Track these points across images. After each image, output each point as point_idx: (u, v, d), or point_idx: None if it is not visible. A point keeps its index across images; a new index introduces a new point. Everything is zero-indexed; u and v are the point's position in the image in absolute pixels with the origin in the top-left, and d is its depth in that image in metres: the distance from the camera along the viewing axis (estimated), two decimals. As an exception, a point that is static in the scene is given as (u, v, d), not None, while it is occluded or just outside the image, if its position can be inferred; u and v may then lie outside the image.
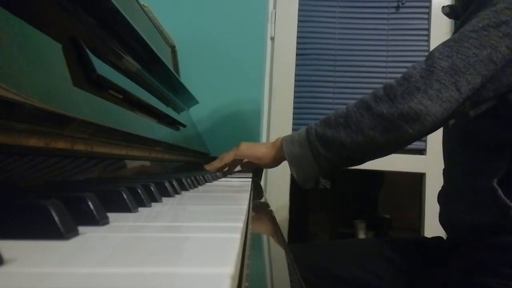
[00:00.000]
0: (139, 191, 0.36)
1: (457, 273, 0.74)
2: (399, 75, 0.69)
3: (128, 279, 0.16)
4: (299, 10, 1.72)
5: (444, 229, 0.85)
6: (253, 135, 1.60)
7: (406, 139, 0.66)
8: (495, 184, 0.67)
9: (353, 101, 0.72)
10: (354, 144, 0.68)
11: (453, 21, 1.67)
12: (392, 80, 0.68)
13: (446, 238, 0.88)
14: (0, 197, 0.25)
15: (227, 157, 0.88)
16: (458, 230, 0.78)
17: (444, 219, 0.83)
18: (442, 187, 0.87)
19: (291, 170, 0.76)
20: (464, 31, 0.66)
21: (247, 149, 0.86)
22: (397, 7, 1.71)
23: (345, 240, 1.30)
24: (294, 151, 0.75)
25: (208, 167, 0.91)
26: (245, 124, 1.60)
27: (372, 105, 0.67)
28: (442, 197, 0.85)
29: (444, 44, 0.67)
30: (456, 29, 0.83)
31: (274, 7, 1.71)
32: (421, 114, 0.63)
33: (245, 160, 0.93)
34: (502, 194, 0.66)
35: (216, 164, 0.90)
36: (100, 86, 0.53)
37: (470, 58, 0.63)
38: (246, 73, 1.60)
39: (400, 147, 0.69)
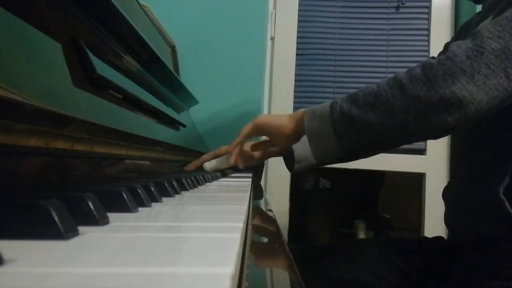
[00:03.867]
0: (139, 191, 0.36)
1: (458, 273, 0.74)
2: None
3: (128, 279, 0.16)
4: (299, 10, 1.72)
5: (449, 230, 0.84)
6: (253, 135, 1.60)
7: (442, 128, 0.59)
8: (501, 195, 0.66)
9: (367, 75, 0.67)
10: (382, 128, 0.61)
11: (453, 21, 1.67)
12: (431, 58, 0.61)
13: (447, 237, 0.88)
14: (0, 197, 0.25)
15: (246, 128, 0.82)
16: (463, 235, 0.77)
17: (449, 222, 0.82)
18: (449, 182, 0.86)
19: (310, 145, 0.70)
20: None
21: (266, 117, 0.80)
22: (397, 7, 1.71)
23: (345, 241, 1.29)
24: (315, 126, 0.69)
25: (230, 148, 0.86)
26: (245, 124, 1.59)
27: (407, 85, 0.59)
28: (448, 194, 0.84)
29: (495, 22, 0.58)
30: (481, 17, 0.80)
31: (274, 7, 1.71)
32: (465, 102, 0.56)
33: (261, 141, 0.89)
34: (509, 207, 0.65)
35: (237, 140, 0.84)
36: (100, 86, 0.53)
37: None
38: (246, 73, 1.60)
39: (433, 135, 0.62)
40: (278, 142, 0.79)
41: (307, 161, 0.89)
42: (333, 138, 0.66)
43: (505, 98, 0.57)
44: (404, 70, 0.63)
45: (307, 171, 0.92)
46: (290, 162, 0.91)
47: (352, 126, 0.64)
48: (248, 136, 0.83)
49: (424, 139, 0.64)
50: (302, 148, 0.88)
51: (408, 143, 0.65)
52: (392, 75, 0.64)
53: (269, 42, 1.71)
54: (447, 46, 0.82)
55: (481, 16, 0.81)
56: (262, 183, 1.53)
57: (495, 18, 0.62)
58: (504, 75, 0.55)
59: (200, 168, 0.93)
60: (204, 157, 0.91)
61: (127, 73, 0.71)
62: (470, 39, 0.59)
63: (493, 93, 0.56)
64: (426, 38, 1.69)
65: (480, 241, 0.71)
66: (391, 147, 0.68)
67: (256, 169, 1.14)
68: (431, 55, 1.64)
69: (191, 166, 0.91)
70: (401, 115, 0.59)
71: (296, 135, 0.76)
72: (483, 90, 0.55)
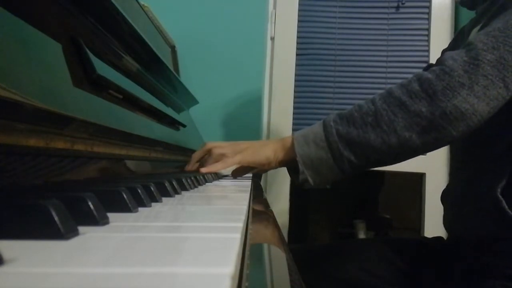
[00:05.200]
0: (139, 191, 0.36)
1: (458, 273, 0.74)
2: (399, 75, 0.65)
3: (128, 279, 0.16)
4: (299, 10, 1.72)
5: (448, 232, 0.84)
6: (253, 135, 1.60)
7: (447, 140, 0.60)
8: (499, 195, 0.65)
9: (376, 94, 0.64)
10: (386, 146, 0.61)
11: (453, 21, 1.67)
12: (426, 73, 0.61)
13: (447, 238, 0.88)
14: (0, 197, 0.25)
15: (231, 161, 0.75)
16: (462, 236, 0.77)
17: (448, 224, 0.82)
18: (447, 186, 0.86)
19: (304, 173, 0.67)
20: (510, 20, 0.59)
21: (251, 154, 0.74)
22: (397, 7, 1.71)
23: (345, 240, 1.28)
24: (310, 153, 0.66)
25: (204, 169, 0.76)
26: (245, 124, 1.60)
27: (407, 103, 0.59)
28: (448, 197, 0.84)
29: (487, 34, 0.59)
30: (476, 20, 0.80)
31: (274, 7, 1.71)
32: (467, 114, 0.57)
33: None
34: (506, 207, 0.64)
35: (222, 166, 0.76)
36: (100, 86, 0.53)
37: None
38: (246, 73, 1.60)
39: (438, 148, 0.62)
40: (264, 171, 0.79)
41: None
42: (331, 163, 0.64)
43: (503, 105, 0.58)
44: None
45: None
46: (294, 172, 0.91)
47: (351, 148, 0.63)
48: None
49: (428, 151, 0.64)
50: None
51: (411, 157, 0.64)
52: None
53: (269, 42, 1.71)
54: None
55: (473, 22, 0.81)
56: (262, 183, 1.53)
57: (486, 23, 0.62)
58: (503, 85, 0.56)
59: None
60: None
61: (127, 73, 0.71)
62: (464, 50, 0.59)
63: (493, 104, 0.57)
64: (426, 38, 1.69)
65: (478, 241, 0.71)
66: (393, 163, 0.66)
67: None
68: (431, 55, 1.64)
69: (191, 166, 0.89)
70: (405, 133, 0.60)
71: (284, 164, 0.74)
72: (483, 101, 0.56)
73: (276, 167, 0.75)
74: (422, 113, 0.58)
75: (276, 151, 0.72)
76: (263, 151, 0.74)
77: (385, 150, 0.61)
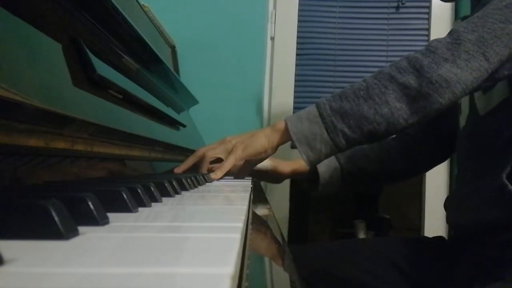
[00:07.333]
0: (139, 191, 0.36)
1: (459, 273, 0.74)
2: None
3: (128, 279, 0.16)
4: (299, 10, 1.72)
5: (454, 230, 0.84)
6: (253, 135, 1.60)
7: (435, 108, 0.64)
8: (504, 180, 0.66)
9: (368, 75, 0.69)
10: (378, 116, 0.65)
11: (453, 21, 1.67)
12: (414, 53, 0.67)
13: (448, 237, 0.88)
14: (0, 197, 0.25)
15: (228, 164, 0.75)
16: (469, 229, 0.77)
17: (453, 221, 0.82)
18: (451, 192, 0.86)
19: (299, 151, 0.68)
20: (487, 9, 0.65)
21: (245, 151, 0.74)
22: (397, 7, 1.71)
23: (345, 240, 1.29)
24: (303, 130, 0.68)
25: (213, 175, 0.75)
26: (245, 124, 1.60)
27: (397, 76, 0.65)
28: (452, 201, 0.84)
29: (468, 21, 0.66)
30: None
31: (274, 7, 1.71)
32: (451, 82, 0.62)
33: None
34: None
35: (221, 172, 0.75)
36: (100, 86, 0.53)
37: (496, 31, 0.62)
38: (246, 73, 1.60)
39: (428, 117, 0.66)
40: (260, 161, 0.80)
41: (332, 184, 0.92)
42: (326, 136, 0.67)
43: (486, 79, 0.63)
44: None
45: (330, 192, 0.95)
46: (311, 183, 0.95)
47: (345, 120, 0.66)
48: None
49: (419, 121, 0.66)
50: (326, 171, 0.91)
51: (404, 128, 0.66)
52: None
53: (269, 42, 1.71)
54: None
55: None
56: (262, 183, 1.53)
57: None
58: (483, 58, 0.62)
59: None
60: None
61: (127, 73, 0.71)
62: (448, 35, 0.65)
63: (476, 74, 0.62)
64: (426, 38, 1.69)
65: (486, 232, 0.71)
66: (386, 136, 0.68)
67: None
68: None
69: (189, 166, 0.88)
70: (396, 103, 0.64)
71: (276, 148, 0.74)
72: (466, 71, 0.62)
73: (272, 153, 0.75)
74: (411, 84, 0.64)
75: (269, 136, 0.73)
76: (255, 140, 0.74)
77: (378, 120, 0.65)
